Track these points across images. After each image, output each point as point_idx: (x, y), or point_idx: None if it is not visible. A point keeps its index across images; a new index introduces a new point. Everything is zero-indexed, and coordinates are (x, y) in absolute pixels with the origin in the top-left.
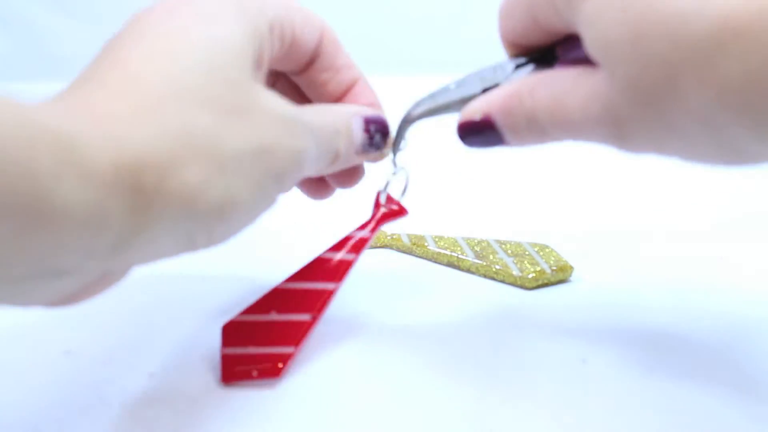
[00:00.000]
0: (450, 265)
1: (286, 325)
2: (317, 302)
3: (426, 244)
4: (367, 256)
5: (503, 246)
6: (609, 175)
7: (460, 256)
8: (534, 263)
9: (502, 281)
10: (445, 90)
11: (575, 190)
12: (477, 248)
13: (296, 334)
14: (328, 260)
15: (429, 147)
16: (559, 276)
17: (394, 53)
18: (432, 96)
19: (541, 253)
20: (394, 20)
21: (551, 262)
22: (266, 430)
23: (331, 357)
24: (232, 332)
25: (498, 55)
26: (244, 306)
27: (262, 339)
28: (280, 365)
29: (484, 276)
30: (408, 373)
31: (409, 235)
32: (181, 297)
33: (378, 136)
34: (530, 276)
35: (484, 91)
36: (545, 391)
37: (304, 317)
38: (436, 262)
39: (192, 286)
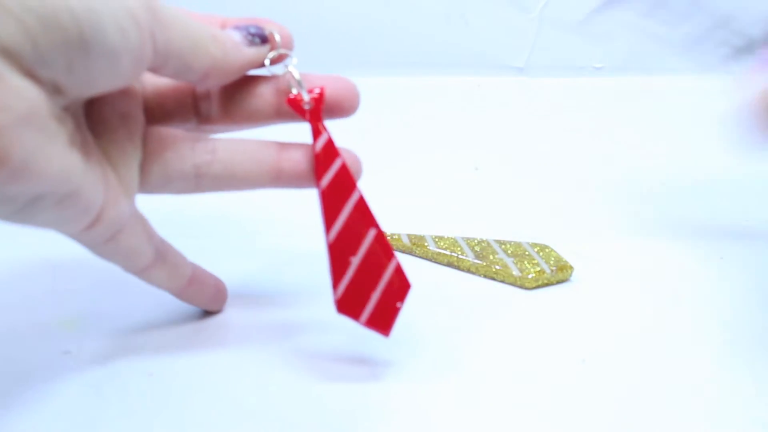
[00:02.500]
0: (450, 265)
1: (370, 254)
2: (365, 218)
3: (426, 244)
4: None
5: (503, 246)
6: (610, 174)
7: (460, 257)
8: (534, 263)
9: (502, 281)
10: None
11: (576, 190)
12: (477, 248)
13: (385, 250)
14: (328, 186)
15: (429, 144)
16: (559, 276)
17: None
18: None
19: (541, 254)
20: (394, 20)
21: (551, 262)
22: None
23: (327, 356)
24: (348, 303)
25: (498, 55)
26: (240, 305)
27: (371, 282)
28: (403, 279)
29: (484, 276)
30: (407, 373)
31: (408, 236)
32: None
33: (256, 38)
34: (530, 276)
35: None
36: (545, 391)
37: (372, 233)
38: (435, 262)
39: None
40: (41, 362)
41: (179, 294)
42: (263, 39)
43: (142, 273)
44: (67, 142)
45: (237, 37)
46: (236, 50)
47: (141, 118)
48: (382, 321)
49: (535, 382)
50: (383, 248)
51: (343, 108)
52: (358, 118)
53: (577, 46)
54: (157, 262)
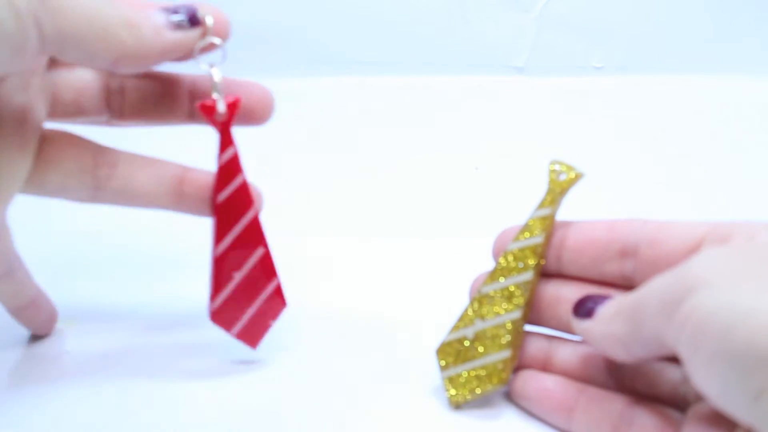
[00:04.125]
0: None
1: (253, 271)
2: (255, 236)
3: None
4: None
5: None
6: (609, 174)
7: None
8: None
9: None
10: None
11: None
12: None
13: (268, 269)
14: (225, 201)
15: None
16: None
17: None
18: None
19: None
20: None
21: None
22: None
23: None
24: (222, 314)
25: (498, 55)
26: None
27: (249, 297)
28: (280, 298)
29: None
30: (404, 375)
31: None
32: (181, 297)
33: (184, 21)
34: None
35: None
36: None
37: (260, 252)
38: None
39: (189, 286)
40: (41, 362)
41: (15, 312)
42: (193, 22)
43: None
44: None
45: (160, 19)
46: (155, 35)
47: (39, 123)
48: (253, 334)
49: None
50: (267, 267)
51: (256, 116)
52: (357, 117)
53: (577, 46)
54: (6, 276)
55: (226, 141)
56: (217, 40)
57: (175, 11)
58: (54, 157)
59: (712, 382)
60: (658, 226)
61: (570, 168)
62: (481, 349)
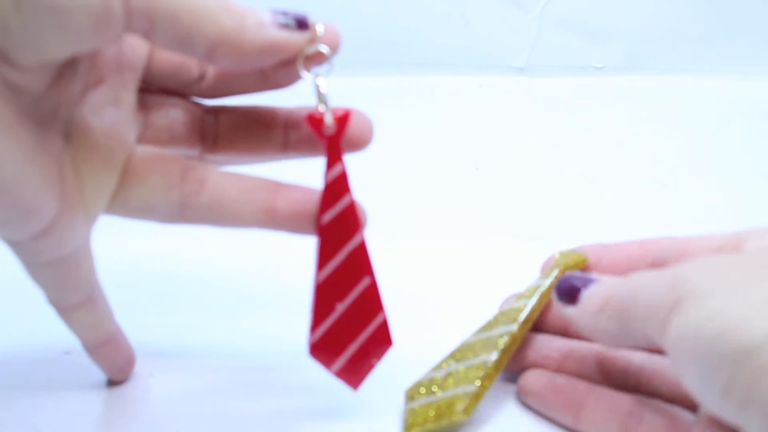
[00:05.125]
0: None
1: (358, 303)
2: (362, 265)
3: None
4: None
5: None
6: (610, 174)
7: None
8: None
9: None
10: None
11: (576, 190)
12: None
13: (373, 303)
14: (330, 222)
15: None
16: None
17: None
18: None
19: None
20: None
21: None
22: None
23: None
24: (322, 349)
25: (498, 55)
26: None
27: (352, 332)
28: (386, 335)
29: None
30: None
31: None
32: (181, 298)
33: (292, 21)
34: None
35: None
36: None
37: (365, 282)
38: None
39: (190, 288)
40: (41, 362)
41: (93, 348)
42: (301, 25)
43: (66, 310)
44: (8, 131)
45: (265, 15)
46: (258, 27)
47: (128, 141)
48: (354, 374)
49: None
50: (373, 299)
51: (358, 142)
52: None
53: (578, 46)
54: (87, 304)
55: (334, 156)
56: (325, 49)
57: (283, 13)
58: (139, 172)
59: (693, 383)
60: (685, 240)
61: (577, 254)
62: (450, 382)
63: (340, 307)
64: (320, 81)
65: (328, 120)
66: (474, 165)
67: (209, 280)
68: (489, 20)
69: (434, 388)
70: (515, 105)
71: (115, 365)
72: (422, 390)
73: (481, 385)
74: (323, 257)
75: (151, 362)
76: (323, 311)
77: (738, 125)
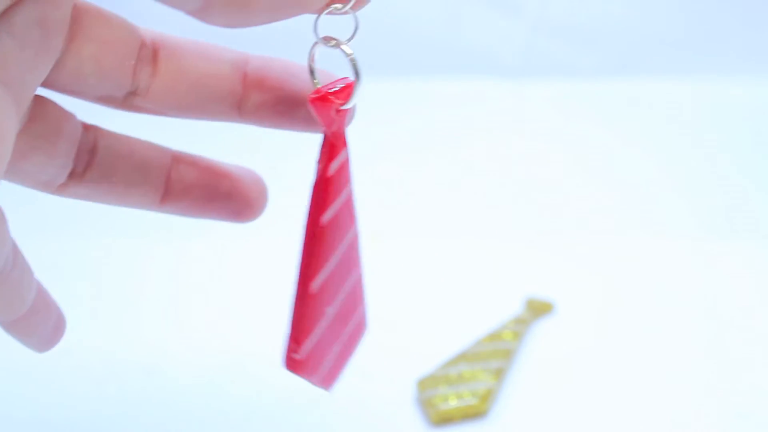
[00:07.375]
0: None
1: (346, 301)
2: (352, 257)
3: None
4: None
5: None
6: (607, 176)
7: None
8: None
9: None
10: None
11: (573, 192)
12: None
13: (358, 294)
14: (330, 222)
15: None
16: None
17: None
18: None
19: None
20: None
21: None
22: None
23: None
24: (309, 361)
25: (493, 58)
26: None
27: (336, 333)
28: (363, 323)
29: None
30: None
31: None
32: (181, 298)
33: None
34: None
35: None
36: None
37: (354, 276)
38: None
39: (193, 288)
40: (41, 362)
41: (9, 325)
42: None
43: None
44: None
45: None
46: None
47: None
48: (331, 375)
49: None
50: (358, 292)
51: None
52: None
53: (574, 48)
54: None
55: (338, 144)
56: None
57: None
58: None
59: None
60: None
61: (544, 304)
62: (467, 374)
63: (331, 311)
64: (345, 47)
65: (335, 98)
66: (469, 168)
67: (206, 280)
68: (483, 23)
69: (451, 380)
70: (509, 108)
71: (38, 336)
72: (437, 382)
73: (495, 383)
74: (318, 263)
75: (147, 360)
76: (313, 321)
77: (735, 127)
